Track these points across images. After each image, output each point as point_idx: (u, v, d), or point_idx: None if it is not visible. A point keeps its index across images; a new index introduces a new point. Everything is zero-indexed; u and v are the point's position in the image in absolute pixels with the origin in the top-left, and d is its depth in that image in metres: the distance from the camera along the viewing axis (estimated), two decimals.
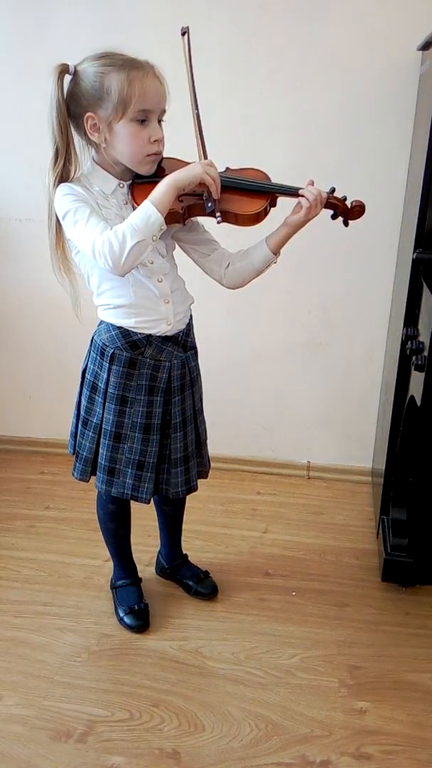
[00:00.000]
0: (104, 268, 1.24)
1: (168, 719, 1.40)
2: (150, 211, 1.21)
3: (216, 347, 2.09)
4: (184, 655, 1.57)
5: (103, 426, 1.45)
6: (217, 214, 1.28)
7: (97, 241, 1.21)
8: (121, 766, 1.31)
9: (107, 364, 1.41)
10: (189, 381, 1.49)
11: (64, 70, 1.25)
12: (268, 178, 1.35)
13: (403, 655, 1.57)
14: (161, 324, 1.40)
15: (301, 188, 1.31)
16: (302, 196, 1.30)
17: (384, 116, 1.88)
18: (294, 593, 1.77)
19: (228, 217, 1.31)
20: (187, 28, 1.27)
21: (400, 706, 1.44)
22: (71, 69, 1.26)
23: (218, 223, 1.30)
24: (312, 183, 1.32)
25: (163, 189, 1.22)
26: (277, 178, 1.36)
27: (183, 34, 1.28)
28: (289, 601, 1.74)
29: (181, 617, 1.68)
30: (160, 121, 1.30)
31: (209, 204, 1.28)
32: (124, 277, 1.30)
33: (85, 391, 1.48)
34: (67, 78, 1.26)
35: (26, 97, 2.01)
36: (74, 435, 1.52)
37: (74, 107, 1.27)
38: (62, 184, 1.28)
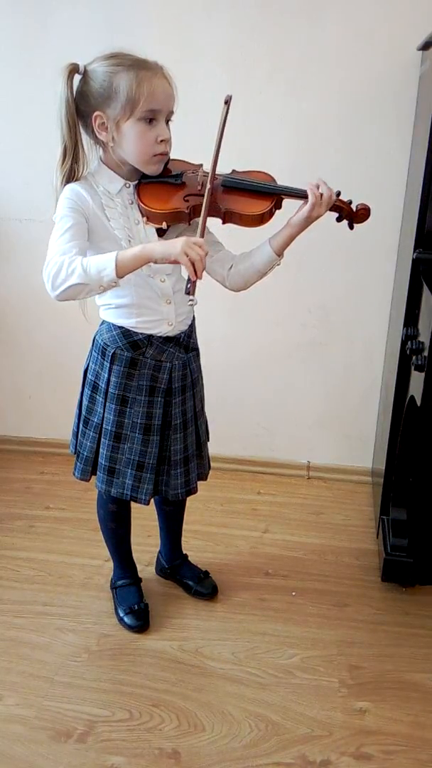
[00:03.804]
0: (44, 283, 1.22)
1: (168, 719, 1.40)
2: (109, 266, 1.17)
3: (216, 347, 2.09)
4: (184, 655, 1.57)
5: (104, 426, 1.45)
6: (191, 299, 1.20)
7: (52, 260, 1.20)
8: (121, 766, 1.31)
9: (108, 364, 1.41)
10: (190, 382, 1.49)
11: (73, 69, 1.26)
12: (275, 181, 1.35)
13: (403, 655, 1.57)
14: (162, 324, 1.40)
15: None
16: (308, 190, 1.29)
17: (384, 116, 1.88)
18: (294, 593, 1.77)
19: (232, 217, 1.31)
20: (230, 97, 1.26)
21: (400, 706, 1.44)
22: (81, 68, 1.27)
23: (189, 304, 1.24)
24: (320, 180, 1.31)
25: (135, 252, 1.19)
26: (277, 177, 1.36)
27: (225, 102, 1.26)
28: (289, 601, 1.74)
29: (181, 617, 1.68)
30: (167, 122, 1.30)
31: (187, 284, 1.20)
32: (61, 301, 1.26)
33: (86, 390, 1.48)
34: (77, 77, 1.27)
35: (26, 97, 2.01)
36: (75, 434, 1.53)
37: (83, 106, 1.28)
38: (68, 185, 1.29)
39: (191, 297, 1.21)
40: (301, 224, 1.32)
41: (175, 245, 1.17)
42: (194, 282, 1.19)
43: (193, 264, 1.16)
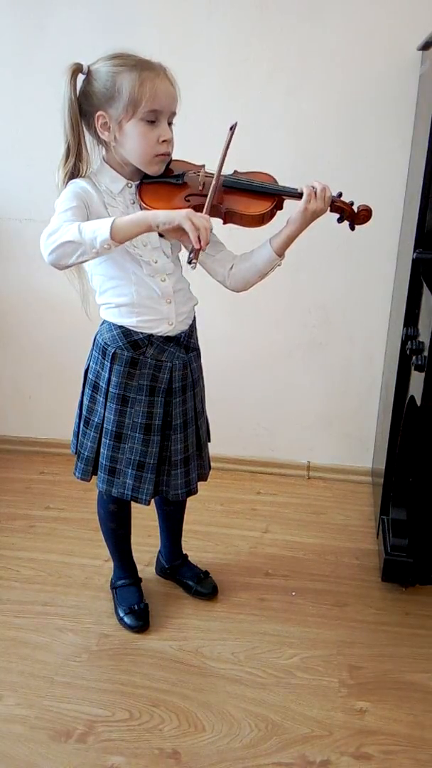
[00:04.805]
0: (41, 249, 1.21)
1: (168, 719, 1.40)
2: (104, 227, 1.15)
3: (216, 347, 2.08)
4: (184, 655, 1.57)
5: (105, 426, 1.45)
6: (193, 263, 1.21)
7: (53, 224, 1.19)
8: (121, 766, 1.31)
9: (109, 364, 1.41)
10: (191, 382, 1.49)
11: (77, 69, 1.26)
12: (276, 182, 1.35)
13: (403, 655, 1.57)
14: (162, 324, 1.40)
15: None
16: (304, 186, 1.30)
17: (384, 116, 1.88)
18: (294, 593, 1.77)
19: (233, 217, 1.31)
20: (236, 124, 1.27)
21: (400, 706, 1.44)
22: (85, 68, 1.27)
23: (192, 267, 1.25)
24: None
25: (135, 217, 1.19)
26: (277, 177, 1.36)
27: (231, 129, 1.27)
28: (289, 601, 1.74)
29: (181, 617, 1.68)
30: (170, 123, 1.30)
31: (190, 254, 1.21)
32: (60, 270, 1.25)
33: (87, 390, 1.48)
34: (80, 78, 1.27)
35: (26, 97, 2.01)
36: (76, 434, 1.53)
37: (86, 106, 1.28)
38: (73, 180, 1.30)
39: (193, 263, 1.21)
40: (299, 221, 1.32)
41: (179, 212, 1.17)
42: (198, 250, 1.18)
43: (198, 232, 1.16)
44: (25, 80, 2.00)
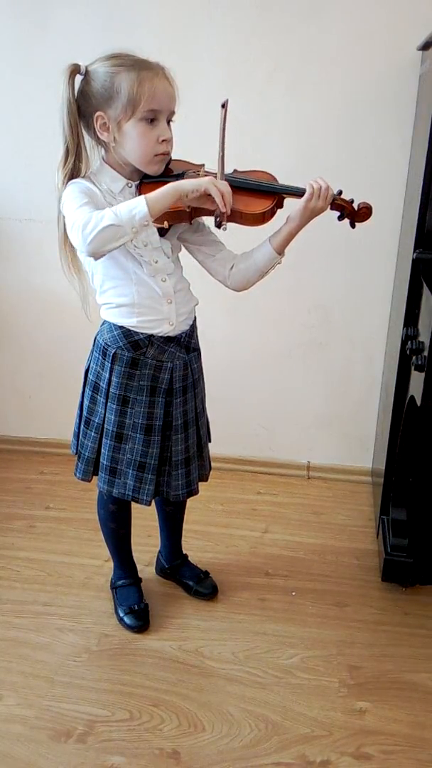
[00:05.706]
0: (75, 243, 1.23)
1: (168, 719, 1.40)
2: (140, 203, 1.18)
3: (216, 347, 2.09)
4: (184, 655, 1.57)
5: (105, 426, 1.45)
6: (223, 225, 1.29)
7: (80, 217, 1.20)
8: (121, 766, 1.31)
9: (109, 364, 1.41)
10: (191, 383, 1.49)
11: (75, 70, 1.26)
12: (276, 180, 1.36)
13: (403, 655, 1.57)
14: (163, 324, 1.40)
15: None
16: (307, 184, 1.30)
17: (384, 116, 1.88)
18: (294, 593, 1.77)
19: (234, 216, 1.31)
20: (227, 101, 1.28)
21: (400, 706, 1.44)
22: (82, 69, 1.27)
23: (222, 229, 1.32)
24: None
25: (164, 190, 1.22)
26: (277, 177, 1.36)
27: (222, 106, 1.28)
28: (289, 601, 1.74)
29: (181, 617, 1.68)
30: (169, 122, 1.30)
31: (217, 218, 1.28)
32: (96, 260, 1.27)
33: (87, 391, 1.48)
34: (78, 78, 1.27)
35: (26, 97, 2.01)
36: (77, 435, 1.53)
37: (85, 106, 1.28)
38: (74, 180, 1.30)
39: (224, 225, 1.28)
40: (299, 218, 1.32)
41: (203, 179, 1.24)
42: (224, 214, 1.25)
43: (222, 195, 1.22)
44: (25, 80, 2.00)
